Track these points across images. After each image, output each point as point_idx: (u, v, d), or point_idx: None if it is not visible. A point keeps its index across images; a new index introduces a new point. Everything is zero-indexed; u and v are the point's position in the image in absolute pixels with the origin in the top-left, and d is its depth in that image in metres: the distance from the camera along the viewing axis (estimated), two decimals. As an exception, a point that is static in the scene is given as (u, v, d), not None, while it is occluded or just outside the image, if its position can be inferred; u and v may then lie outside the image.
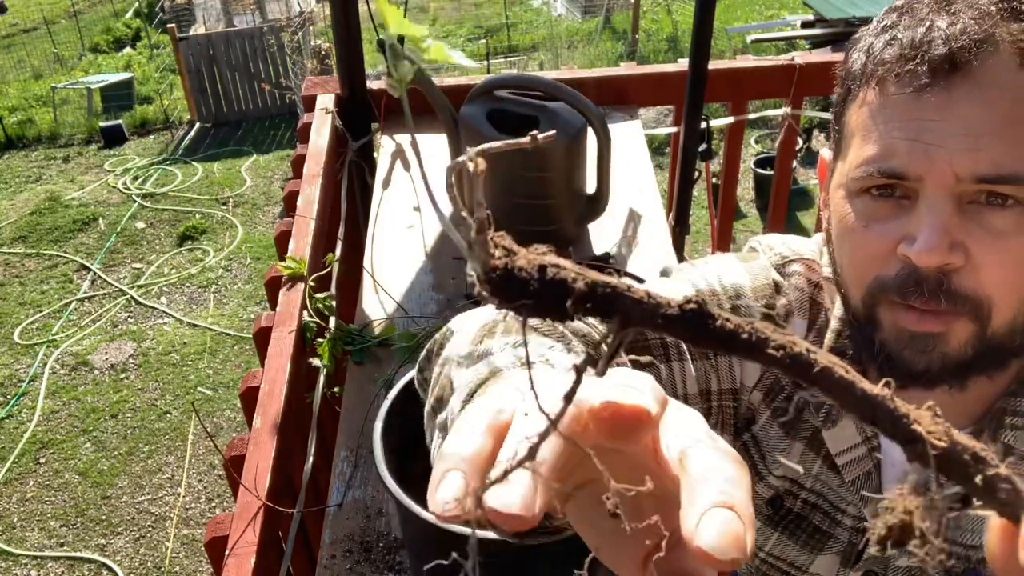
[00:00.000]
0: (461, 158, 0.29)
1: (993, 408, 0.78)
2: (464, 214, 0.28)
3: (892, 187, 0.71)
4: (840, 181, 0.76)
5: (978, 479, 0.27)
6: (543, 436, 0.32)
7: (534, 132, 0.31)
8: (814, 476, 0.89)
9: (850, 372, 0.28)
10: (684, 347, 0.86)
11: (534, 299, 0.28)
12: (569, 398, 0.31)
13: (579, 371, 0.30)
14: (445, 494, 0.35)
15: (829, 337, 0.85)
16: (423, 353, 0.76)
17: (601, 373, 0.32)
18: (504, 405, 0.40)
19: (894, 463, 0.84)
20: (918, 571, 0.83)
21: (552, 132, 0.32)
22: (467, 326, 0.68)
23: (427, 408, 0.68)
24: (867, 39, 0.74)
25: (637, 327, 0.28)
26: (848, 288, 0.77)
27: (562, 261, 0.28)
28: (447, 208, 1.85)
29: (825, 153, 0.84)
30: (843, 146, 0.76)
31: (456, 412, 0.56)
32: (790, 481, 0.91)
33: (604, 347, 0.31)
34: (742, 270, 0.89)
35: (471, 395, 0.55)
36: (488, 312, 0.70)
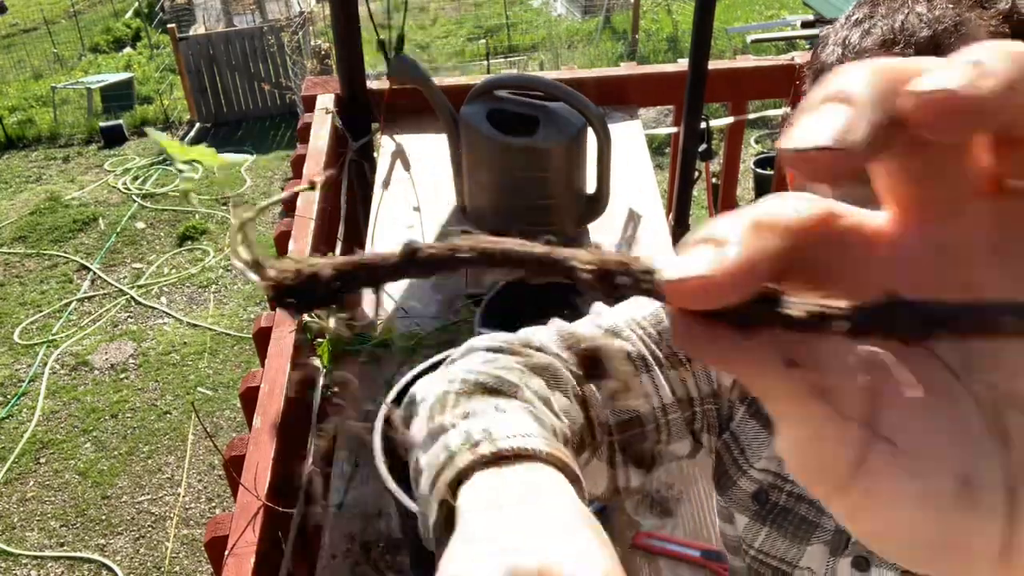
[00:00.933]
0: (235, 225, 0.36)
1: None
2: (244, 258, 0.34)
3: None
4: None
5: (616, 285, 0.29)
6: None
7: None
8: None
9: (524, 244, 0.31)
10: (650, 359, 0.86)
11: (298, 297, 0.33)
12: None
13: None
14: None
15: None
16: (400, 411, 0.77)
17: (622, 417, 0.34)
18: None
19: None
20: None
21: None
22: (422, 403, 0.70)
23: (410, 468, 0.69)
24: (840, 33, 0.75)
25: (378, 284, 0.33)
26: None
27: (319, 260, 0.33)
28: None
29: None
30: None
31: (425, 494, 0.58)
32: (773, 475, 0.92)
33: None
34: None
35: (433, 482, 0.57)
36: (438, 379, 0.72)
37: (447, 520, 0.55)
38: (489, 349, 0.79)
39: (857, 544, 0.87)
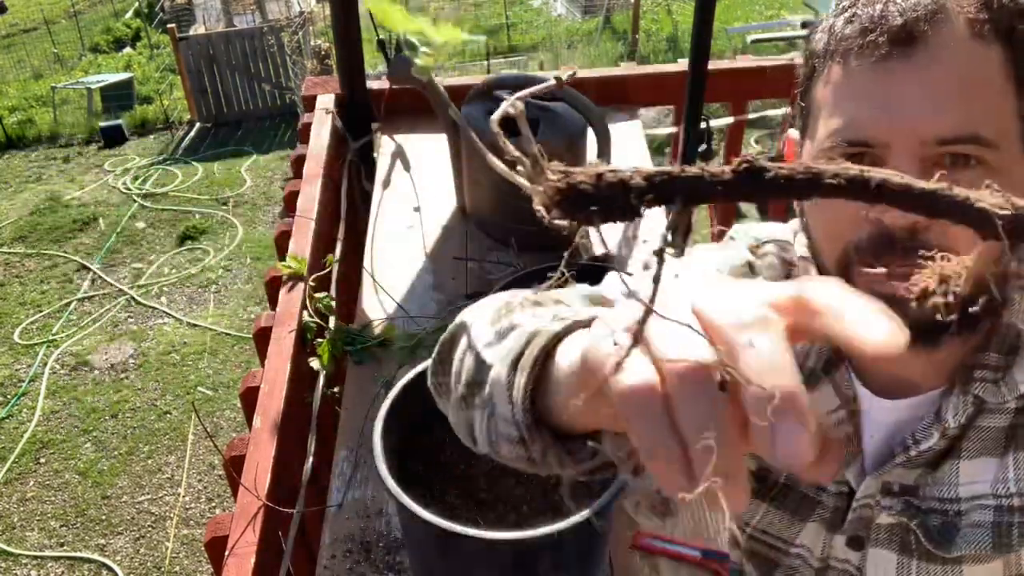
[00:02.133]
0: (503, 105, 0.33)
1: (963, 364, 0.81)
2: (516, 153, 0.30)
3: (860, 156, 0.73)
4: (810, 156, 0.79)
5: None
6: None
7: (558, 75, 0.34)
8: None
9: (904, 177, 0.30)
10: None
11: (601, 204, 0.30)
12: (656, 279, 0.34)
13: (659, 254, 0.33)
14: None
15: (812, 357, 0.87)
16: (433, 356, 0.76)
17: (680, 252, 0.35)
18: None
19: (875, 423, 0.85)
20: (899, 529, 0.84)
21: (574, 69, 0.35)
22: (476, 318, 0.70)
23: (456, 397, 0.68)
24: (829, 20, 0.77)
25: (699, 202, 0.30)
26: (822, 258, 0.80)
27: (616, 166, 0.30)
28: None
29: (793, 133, 0.87)
30: (810, 123, 0.80)
31: (503, 378, 0.58)
32: None
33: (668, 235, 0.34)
34: (719, 257, 0.93)
35: (518, 357, 0.57)
36: (491, 302, 0.71)
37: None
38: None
39: (852, 523, 0.88)
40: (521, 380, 0.56)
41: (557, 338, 0.56)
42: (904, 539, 0.84)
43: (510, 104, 0.32)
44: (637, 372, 0.40)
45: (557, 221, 0.31)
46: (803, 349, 0.87)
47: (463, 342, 0.69)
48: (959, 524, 0.80)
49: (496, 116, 0.32)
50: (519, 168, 0.31)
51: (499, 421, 0.59)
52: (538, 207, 0.31)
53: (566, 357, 0.53)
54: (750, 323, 0.38)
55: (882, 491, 0.84)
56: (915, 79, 0.69)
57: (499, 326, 0.64)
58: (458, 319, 0.74)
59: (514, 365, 0.57)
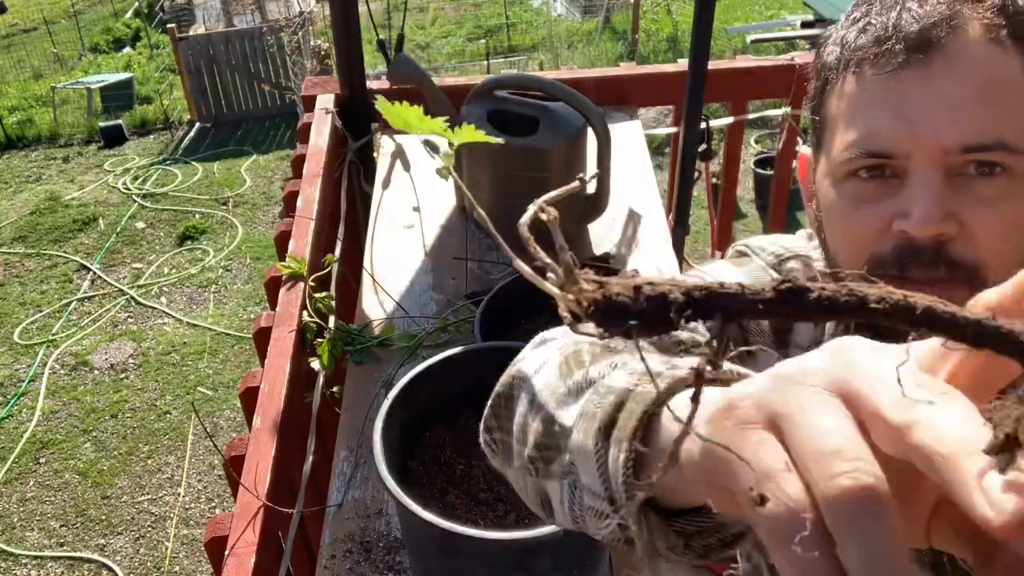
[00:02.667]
0: (532, 208, 0.32)
1: None
2: (547, 260, 0.30)
3: (880, 168, 0.72)
4: (826, 170, 0.78)
5: None
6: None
7: (582, 176, 0.34)
8: None
9: (948, 305, 0.30)
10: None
11: (638, 319, 0.29)
12: (695, 399, 0.33)
13: (699, 372, 0.32)
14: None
15: (828, 327, 0.85)
16: (487, 411, 0.69)
17: (717, 367, 0.33)
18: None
19: None
20: (931, 552, 0.82)
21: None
22: (538, 367, 0.64)
23: (520, 463, 0.62)
24: (839, 32, 0.76)
25: (739, 319, 0.30)
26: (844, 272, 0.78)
27: (654, 277, 0.30)
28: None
29: (804, 149, 0.86)
30: (825, 136, 0.78)
31: (590, 447, 0.51)
32: None
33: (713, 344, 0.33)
34: (740, 274, 0.90)
35: (609, 424, 0.51)
36: (553, 348, 0.65)
37: (635, 460, 0.48)
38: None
39: None
40: (620, 455, 0.49)
41: (658, 403, 0.48)
42: (938, 561, 0.82)
43: (538, 207, 0.32)
44: (782, 497, 0.33)
45: (590, 329, 0.30)
46: (817, 334, 0.86)
47: (524, 397, 0.63)
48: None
49: (525, 220, 0.32)
50: (548, 275, 0.30)
51: (585, 495, 0.54)
52: (564, 314, 0.30)
53: (674, 435, 0.40)
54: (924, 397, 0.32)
55: None
56: (934, 86, 0.68)
57: (571, 381, 0.58)
58: (514, 367, 0.67)
59: (605, 433, 0.51)
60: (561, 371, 0.60)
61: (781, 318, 0.30)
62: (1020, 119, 0.68)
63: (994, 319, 0.30)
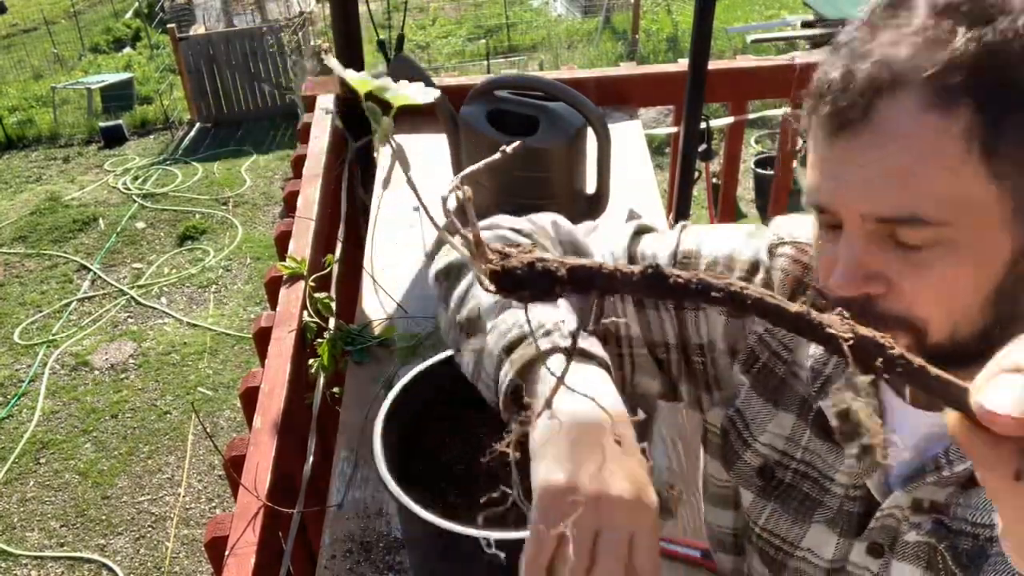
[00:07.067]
0: (450, 185, 0.38)
1: None
2: (462, 232, 0.35)
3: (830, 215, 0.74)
4: None
5: (879, 360, 0.36)
6: None
7: (504, 148, 0.40)
8: (803, 446, 0.92)
9: (776, 298, 0.36)
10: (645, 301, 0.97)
11: (529, 288, 0.35)
12: (569, 354, 0.49)
13: (574, 336, 0.40)
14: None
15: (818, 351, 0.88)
16: (445, 259, 1.00)
17: (592, 330, 0.42)
18: None
19: (905, 432, 0.83)
20: (927, 548, 0.83)
21: (517, 143, 0.39)
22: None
23: (453, 317, 0.90)
24: (824, 60, 0.74)
25: (612, 294, 0.38)
26: None
27: (546, 255, 0.35)
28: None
29: None
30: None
31: (495, 354, 0.79)
32: (779, 452, 0.93)
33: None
34: (734, 244, 0.95)
35: (511, 347, 0.77)
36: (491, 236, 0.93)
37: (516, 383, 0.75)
38: (512, 229, 1.00)
39: (875, 531, 0.86)
40: (509, 374, 0.75)
41: (540, 358, 0.74)
42: (932, 558, 0.83)
43: (455, 184, 0.39)
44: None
45: (490, 291, 0.36)
46: (823, 356, 0.87)
47: (468, 280, 0.90)
48: (989, 551, 0.78)
49: (445, 194, 0.40)
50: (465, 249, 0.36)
51: (483, 373, 0.82)
52: (481, 279, 0.36)
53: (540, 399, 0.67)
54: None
55: (912, 507, 0.83)
56: (859, 157, 0.68)
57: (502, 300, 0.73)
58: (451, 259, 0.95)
59: (507, 351, 0.77)
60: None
61: (645, 296, 0.37)
62: (947, 188, 0.66)
63: (810, 314, 0.37)
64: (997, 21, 0.63)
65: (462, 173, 0.38)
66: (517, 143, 0.40)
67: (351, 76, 0.44)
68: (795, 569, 0.96)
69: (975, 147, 0.65)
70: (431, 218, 0.36)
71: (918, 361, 0.37)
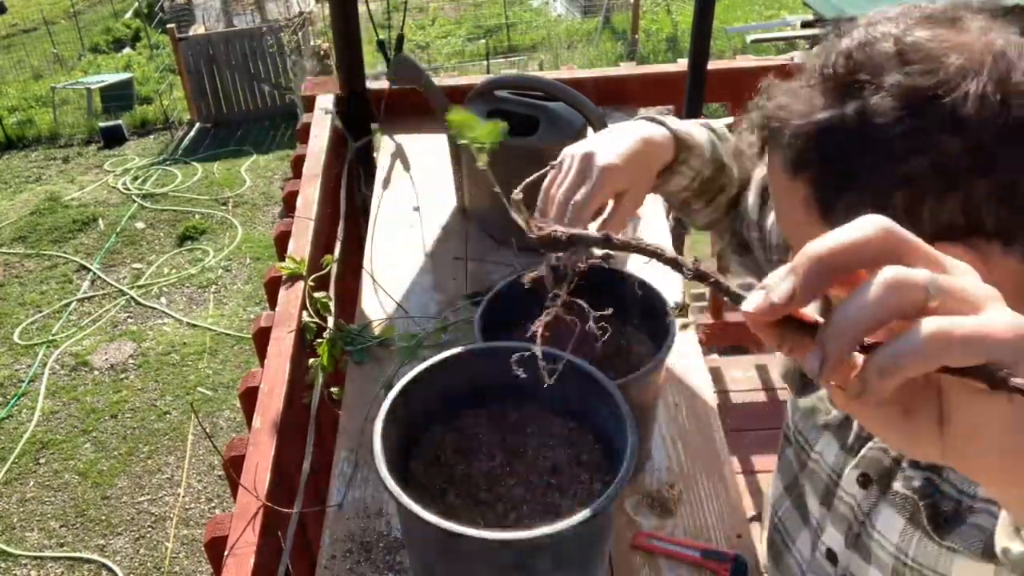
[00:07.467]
0: (516, 192, 0.55)
1: None
2: (517, 216, 0.53)
3: None
4: None
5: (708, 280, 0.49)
6: None
7: (553, 163, 0.53)
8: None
9: (627, 235, 0.50)
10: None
11: (564, 247, 0.51)
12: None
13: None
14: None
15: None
16: None
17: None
18: None
19: None
20: (911, 503, 0.86)
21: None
22: None
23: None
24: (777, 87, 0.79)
25: (583, 250, 0.52)
26: None
27: (571, 228, 0.51)
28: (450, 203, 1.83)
29: None
30: None
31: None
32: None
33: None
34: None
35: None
36: None
37: None
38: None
39: (865, 459, 0.90)
40: None
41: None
42: (915, 513, 0.85)
43: (518, 191, 0.57)
44: None
45: (541, 250, 0.52)
46: None
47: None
48: (966, 518, 0.80)
49: (516, 193, 0.56)
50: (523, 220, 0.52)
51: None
52: (533, 240, 0.51)
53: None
54: None
55: (910, 459, 0.85)
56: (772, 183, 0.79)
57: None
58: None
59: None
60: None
61: (609, 249, 0.48)
62: (801, 236, 0.68)
63: (656, 246, 0.49)
64: (857, 98, 0.66)
65: (525, 181, 0.58)
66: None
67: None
68: (811, 471, 1.01)
69: (815, 212, 0.70)
70: (507, 203, 0.54)
71: (716, 276, 0.48)
